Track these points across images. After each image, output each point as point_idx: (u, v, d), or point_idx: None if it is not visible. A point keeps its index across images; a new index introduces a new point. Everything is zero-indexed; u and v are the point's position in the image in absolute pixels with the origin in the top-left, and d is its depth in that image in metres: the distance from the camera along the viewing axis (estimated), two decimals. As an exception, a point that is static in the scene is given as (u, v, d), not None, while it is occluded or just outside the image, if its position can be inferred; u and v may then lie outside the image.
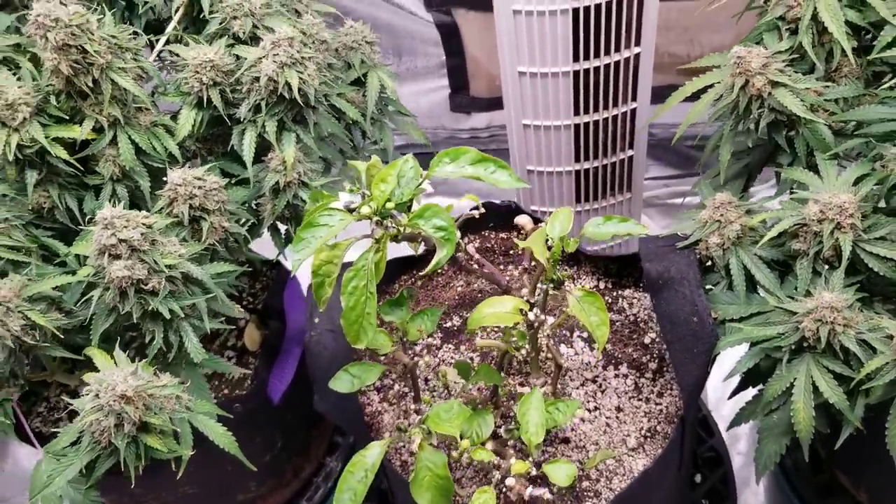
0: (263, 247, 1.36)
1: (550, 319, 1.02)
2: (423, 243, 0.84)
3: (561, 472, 0.81)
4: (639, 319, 1.09)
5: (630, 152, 1.39)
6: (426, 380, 1.04)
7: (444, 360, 1.07)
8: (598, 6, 1.14)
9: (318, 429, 1.40)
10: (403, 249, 1.07)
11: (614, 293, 1.11)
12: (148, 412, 0.76)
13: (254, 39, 0.98)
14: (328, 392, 0.97)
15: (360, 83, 1.11)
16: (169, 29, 0.98)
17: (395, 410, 1.03)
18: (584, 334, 1.08)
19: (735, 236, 0.94)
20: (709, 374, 0.96)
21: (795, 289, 0.91)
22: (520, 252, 1.19)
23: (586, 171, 1.37)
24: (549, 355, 1.05)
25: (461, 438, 0.83)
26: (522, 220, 1.03)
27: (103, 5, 0.90)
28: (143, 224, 0.79)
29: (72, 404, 0.79)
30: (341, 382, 0.88)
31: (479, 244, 1.20)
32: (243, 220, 0.98)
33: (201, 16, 0.99)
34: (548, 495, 0.82)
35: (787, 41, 0.95)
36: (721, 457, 1.37)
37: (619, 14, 1.16)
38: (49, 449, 0.86)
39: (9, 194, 0.92)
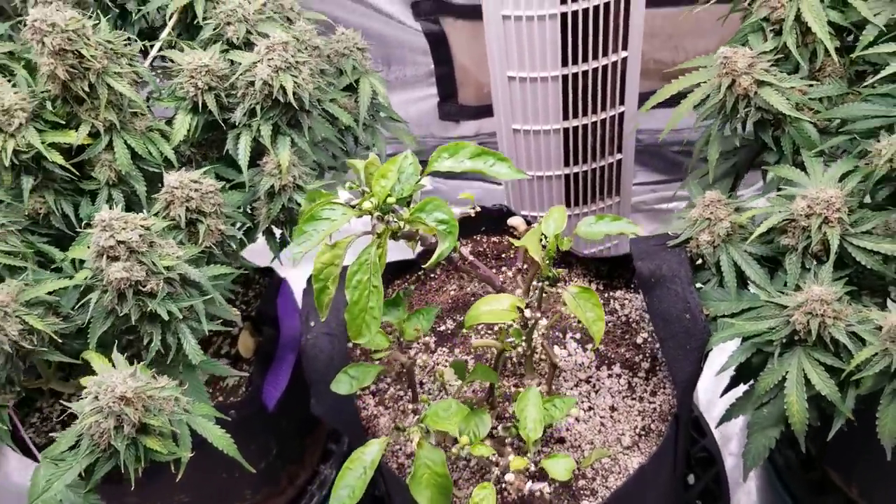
0: (256, 255, 1.37)
1: (544, 321, 1.04)
2: (420, 242, 0.85)
3: (560, 467, 0.82)
4: (631, 320, 1.10)
5: (618, 156, 1.41)
6: (421, 383, 1.05)
7: (438, 364, 1.07)
8: (585, 11, 1.16)
9: (312, 436, 1.40)
10: (398, 254, 1.08)
11: (606, 294, 1.12)
12: (147, 414, 0.76)
13: (248, 45, 0.99)
14: (325, 395, 0.98)
15: (351, 89, 1.12)
16: (164, 35, 0.99)
17: (391, 413, 1.04)
18: (577, 335, 1.09)
19: (725, 233, 0.96)
20: (702, 370, 0.97)
21: (785, 284, 0.92)
22: (512, 255, 1.20)
23: (575, 175, 1.39)
24: (544, 356, 1.06)
25: (460, 435, 0.84)
26: (515, 221, 1.04)
27: (98, 12, 0.91)
28: (142, 226, 0.79)
29: (70, 407, 0.79)
30: (341, 384, 0.88)
31: (471, 248, 1.21)
32: (239, 224, 0.99)
33: (195, 22, 1.00)
34: (547, 489, 0.82)
35: (772, 42, 0.97)
36: (713, 457, 1.38)
37: (606, 19, 1.18)
38: (47, 454, 0.86)
39: (4, 200, 0.92)
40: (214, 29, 0.97)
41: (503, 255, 1.21)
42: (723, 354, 0.98)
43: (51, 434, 1.16)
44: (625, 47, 1.24)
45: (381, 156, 1.16)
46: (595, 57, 1.23)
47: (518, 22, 1.17)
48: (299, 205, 0.96)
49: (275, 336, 1.27)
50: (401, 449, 1.02)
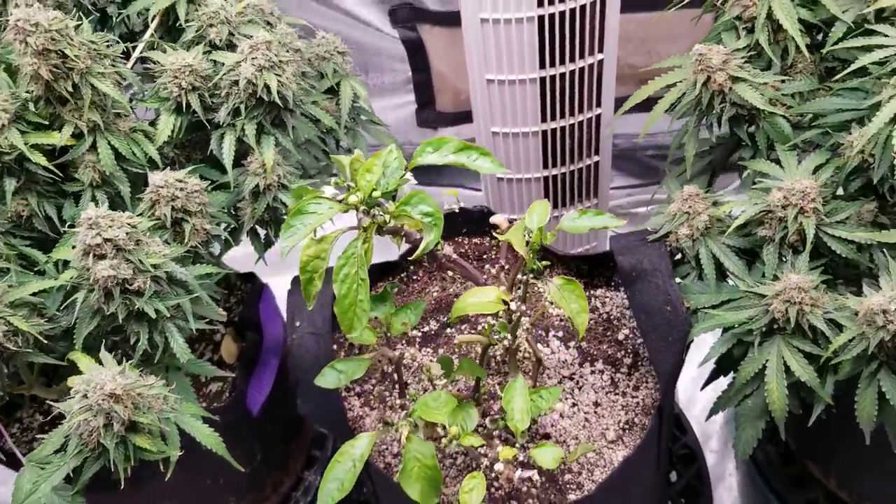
0: (237, 262, 1.37)
1: (528, 319, 1.05)
2: (404, 238, 0.86)
3: (548, 455, 0.83)
4: (612, 317, 1.11)
5: (596, 158, 1.43)
6: (406, 384, 1.05)
7: (423, 365, 1.08)
8: (562, 14, 1.18)
9: (296, 442, 1.40)
10: (381, 256, 1.09)
11: (587, 293, 1.14)
12: (137, 411, 0.76)
13: (230, 47, 0.99)
14: (311, 395, 0.98)
15: (332, 92, 1.13)
16: (146, 36, 0.99)
17: (376, 414, 1.04)
18: (560, 334, 1.10)
19: (703, 227, 0.97)
20: (684, 361, 0.98)
21: (763, 275, 0.94)
22: (494, 256, 1.21)
23: (554, 177, 1.41)
24: (527, 355, 1.07)
25: (449, 427, 0.84)
26: (498, 219, 1.05)
27: (80, 14, 0.91)
28: (128, 224, 0.79)
29: (57, 407, 0.78)
30: (327, 379, 0.88)
31: (453, 249, 1.22)
32: (224, 224, 0.99)
33: (177, 24, 1.00)
34: (536, 476, 0.83)
35: (745, 39, 0.99)
36: (695, 453, 1.40)
37: (582, 21, 1.20)
38: (32, 458, 0.85)
39: (-14, 202, 0.92)
40: (197, 31, 0.98)
41: (485, 256, 1.22)
42: (702, 353, 1.00)
43: (33, 444, 1.15)
44: (601, 50, 1.27)
45: (363, 158, 1.17)
46: (572, 59, 1.25)
47: (496, 25, 1.18)
48: (284, 204, 0.97)
49: (258, 341, 1.27)
50: (387, 449, 1.02)
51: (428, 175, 1.64)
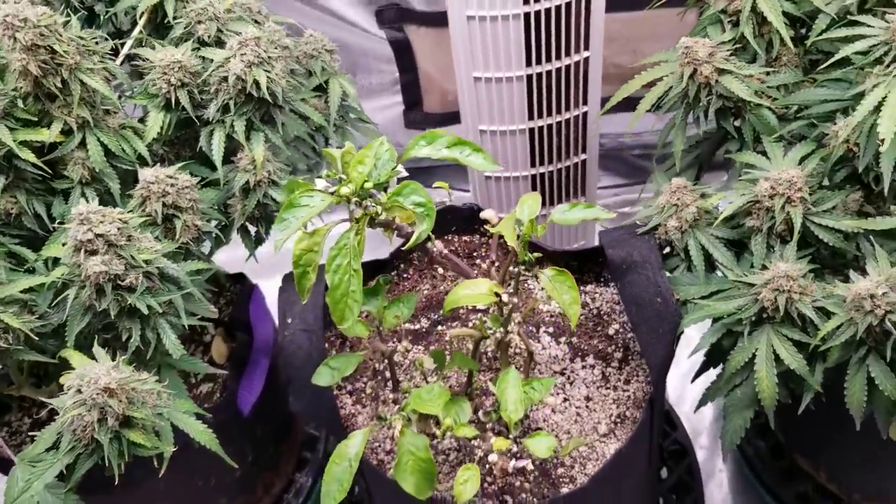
0: (225, 264, 1.37)
1: (519, 314, 1.05)
2: (396, 232, 0.86)
3: (541, 445, 0.83)
4: (602, 312, 1.12)
5: (583, 156, 1.44)
6: (397, 381, 1.05)
7: (416, 360, 1.08)
8: (548, 11, 1.19)
9: (287, 443, 1.39)
10: (371, 254, 1.09)
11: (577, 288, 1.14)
12: (131, 406, 0.75)
13: (218, 43, 0.99)
14: (303, 391, 0.98)
15: (321, 90, 1.14)
16: (135, 32, 0.99)
17: (368, 412, 1.04)
18: (550, 330, 1.10)
19: (692, 218, 0.98)
20: (674, 352, 0.99)
21: (751, 265, 0.95)
22: (484, 253, 1.21)
23: (542, 175, 1.41)
24: (518, 351, 1.07)
25: (443, 419, 0.84)
26: (488, 214, 1.06)
27: (68, 11, 0.91)
28: (119, 219, 0.79)
29: (50, 403, 0.78)
30: (322, 377, 0.88)
31: (442, 247, 1.22)
32: (214, 222, 0.99)
33: (165, 22, 1.00)
34: (530, 466, 0.83)
35: (730, 32, 1.00)
36: (685, 449, 1.40)
37: (568, 19, 1.21)
38: (23, 456, 0.84)
39: (-26, 201, 0.91)
40: (185, 27, 0.98)
41: (474, 254, 1.22)
42: (689, 350, 1.00)
43: (21, 447, 1.14)
44: (587, 47, 1.28)
45: (352, 156, 1.17)
46: (558, 57, 1.26)
47: (482, 22, 1.19)
48: (274, 201, 0.97)
49: (248, 342, 1.27)
50: (380, 446, 1.02)
51: (417, 177, 1.64)
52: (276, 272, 1.04)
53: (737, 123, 1.01)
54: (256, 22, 1.07)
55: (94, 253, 0.79)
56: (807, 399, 0.90)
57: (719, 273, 0.99)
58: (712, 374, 1.03)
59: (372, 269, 1.19)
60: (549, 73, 1.26)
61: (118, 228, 0.79)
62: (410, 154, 0.78)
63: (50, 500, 0.83)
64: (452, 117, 1.77)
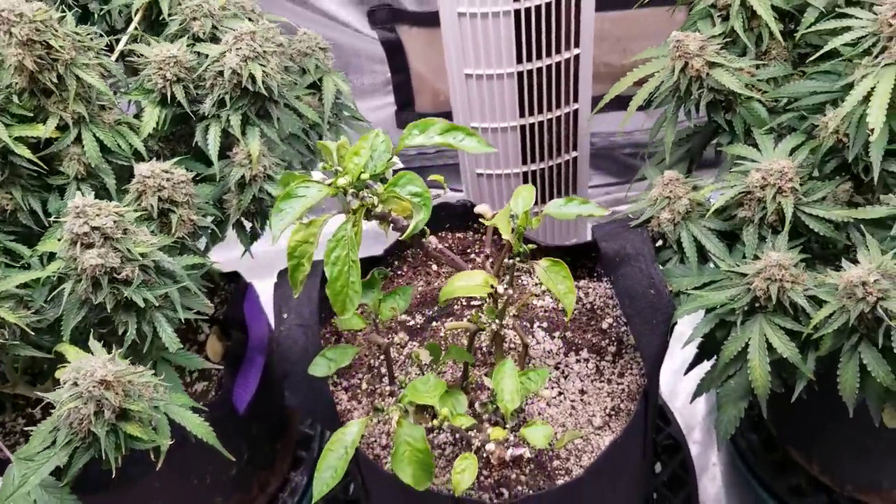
0: (221, 266, 1.37)
1: (512, 308, 1.06)
2: (392, 225, 0.87)
3: (538, 434, 0.84)
4: (595, 307, 1.13)
5: (574, 154, 1.45)
6: (393, 375, 1.06)
7: (412, 353, 1.08)
8: (538, 8, 1.19)
9: (282, 442, 1.39)
10: (365, 251, 1.10)
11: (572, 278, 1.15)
12: (128, 399, 0.76)
13: (213, 40, 1.00)
14: (300, 386, 0.98)
15: (315, 88, 1.14)
16: (130, 29, 0.99)
17: (364, 408, 1.04)
18: (544, 325, 1.11)
19: (684, 210, 0.99)
20: (668, 343, 1.00)
21: (743, 256, 0.96)
22: (478, 250, 1.22)
23: (533, 172, 1.42)
24: (513, 345, 1.08)
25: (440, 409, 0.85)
26: (483, 208, 1.06)
27: (63, 7, 0.91)
28: (115, 213, 0.79)
29: (46, 397, 0.78)
30: (319, 367, 0.89)
31: (437, 242, 1.23)
32: (210, 218, 0.99)
33: (160, 18, 1.01)
34: (528, 454, 0.84)
35: (720, 27, 1.02)
36: (679, 444, 1.41)
37: (558, 16, 1.22)
38: (20, 454, 0.84)
39: (-31, 198, 0.91)
40: (180, 24, 0.98)
41: (468, 251, 1.23)
42: (683, 350, 1.01)
43: (15, 448, 1.13)
44: (577, 44, 1.28)
45: (345, 153, 1.17)
46: (549, 54, 1.26)
47: (473, 19, 1.20)
48: (270, 195, 0.97)
49: (243, 340, 1.27)
50: (376, 441, 1.02)
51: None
52: (270, 272, 1.05)
53: (728, 117, 1.02)
54: (250, 20, 1.07)
55: (90, 246, 0.79)
56: (799, 387, 0.91)
57: (711, 265, 1.00)
58: (705, 368, 1.04)
59: (366, 266, 1.18)
60: (539, 70, 1.27)
61: (114, 221, 0.79)
62: (404, 143, 0.78)
63: (46, 498, 0.83)
64: (445, 117, 1.77)
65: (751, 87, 1.00)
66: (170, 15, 1.00)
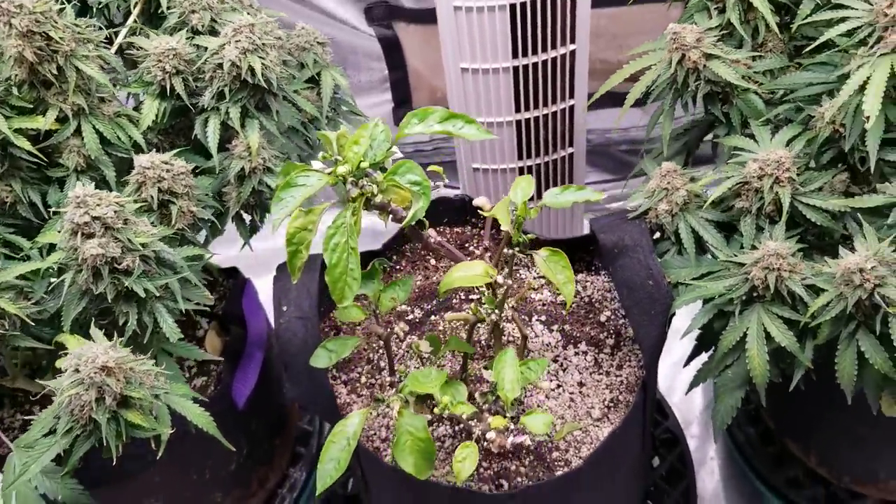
0: (217, 259, 1.37)
1: (511, 300, 1.06)
2: (391, 216, 0.87)
3: (538, 422, 0.84)
4: (593, 300, 1.13)
5: (570, 150, 1.45)
6: (393, 366, 1.06)
7: (412, 343, 1.09)
8: (533, 3, 1.20)
9: (281, 438, 1.39)
10: (366, 247, 1.10)
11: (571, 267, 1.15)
12: (129, 386, 0.76)
13: (212, 33, 1.00)
14: (299, 378, 0.98)
15: (314, 82, 1.14)
16: (129, 22, 1.00)
17: (363, 401, 1.04)
18: (542, 318, 1.11)
19: (682, 201, 1.00)
20: (666, 334, 1.00)
21: (741, 246, 0.97)
22: (476, 243, 1.22)
23: (529, 168, 1.43)
24: (511, 338, 1.08)
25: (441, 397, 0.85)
26: (481, 201, 1.07)
27: (62, 0, 0.91)
28: (116, 203, 0.79)
29: (47, 385, 0.78)
30: (320, 358, 0.89)
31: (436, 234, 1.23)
32: (210, 211, 0.99)
33: (159, 12, 1.01)
34: (528, 441, 0.84)
35: (717, 19, 1.02)
36: (677, 437, 1.41)
37: (553, 11, 1.23)
38: (20, 443, 0.84)
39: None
40: (179, 17, 0.99)
41: (466, 245, 1.23)
42: (678, 345, 1.01)
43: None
44: (573, 40, 1.29)
45: (344, 147, 1.18)
46: (544, 49, 1.27)
47: (469, 13, 1.20)
48: (269, 188, 0.97)
49: (242, 335, 1.27)
50: (375, 434, 1.02)
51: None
52: (268, 270, 1.05)
53: (724, 109, 1.03)
54: (248, 14, 1.07)
55: (90, 236, 0.79)
56: (797, 376, 0.91)
57: (709, 256, 1.01)
58: (703, 360, 1.04)
59: (365, 260, 1.19)
60: (535, 65, 1.28)
61: (115, 212, 0.79)
62: (404, 132, 0.78)
63: (47, 485, 0.83)
64: (441, 114, 1.77)
65: (747, 78, 1.00)
66: (168, 8, 1.00)
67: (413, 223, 0.80)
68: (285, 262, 0.90)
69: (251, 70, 0.92)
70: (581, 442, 0.99)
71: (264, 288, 1.21)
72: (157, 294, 0.84)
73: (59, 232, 0.83)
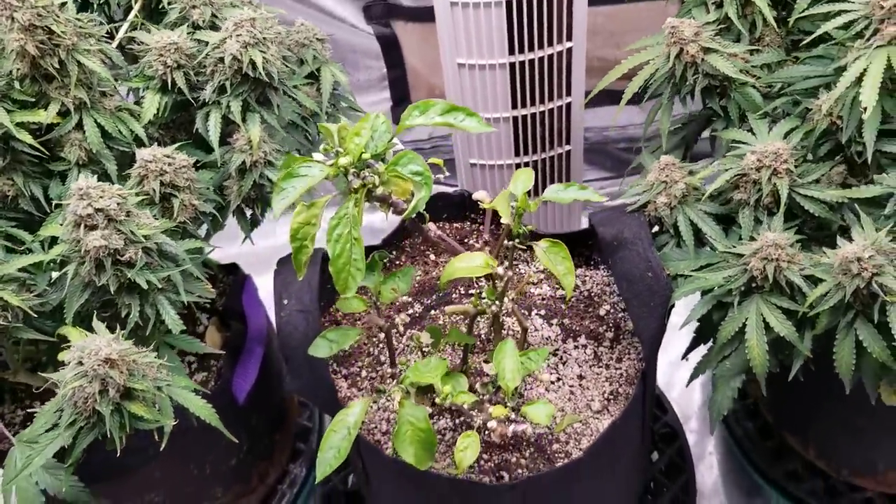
0: (216, 254, 1.37)
1: (512, 292, 1.06)
2: (392, 209, 0.88)
3: (540, 412, 0.84)
4: (593, 294, 1.14)
5: (567, 147, 1.46)
6: (394, 358, 1.06)
7: (414, 335, 1.09)
8: (529, -1, 1.21)
9: (281, 433, 1.40)
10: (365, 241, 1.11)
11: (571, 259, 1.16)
12: (132, 378, 0.76)
13: (213, 28, 1.01)
14: (300, 371, 0.99)
15: (313, 78, 1.15)
16: (130, 17, 1.00)
17: (364, 394, 1.05)
18: (542, 312, 1.12)
19: (681, 194, 1.00)
20: (666, 325, 1.01)
21: (739, 238, 0.97)
22: (475, 239, 1.23)
23: (526, 164, 1.43)
24: (511, 332, 1.09)
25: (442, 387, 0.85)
26: (481, 194, 1.07)
27: (65, -3, 0.92)
28: (119, 195, 0.80)
29: (51, 378, 0.78)
30: (320, 348, 0.89)
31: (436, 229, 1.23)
32: (212, 204, 0.99)
33: (160, 7, 1.02)
34: (530, 430, 0.84)
35: (714, 14, 1.03)
36: (676, 432, 1.42)
37: (550, 8, 1.23)
38: (21, 438, 0.84)
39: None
40: (180, 12, 0.99)
41: (465, 240, 1.24)
42: (676, 344, 1.01)
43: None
44: (569, 38, 1.30)
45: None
46: (541, 46, 1.28)
47: (465, 8, 1.21)
48: (270, 181, 0.98)
49: (242, 330, 1.27)
50: (376, 427, 1.03)
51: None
52: (268, 268, 1.05)
53: (722, 102, 1.04)
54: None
55: (93, 228, 0.80)
56: (796, 366, 0.92)
57: (708, 248, 1.01)
58: (702, 352, 1.05)
59: (367, 253, 1.20)
60: (531, 62, 1.28)
61: (118, 204, 0.80)
62: (405, 124, 0.79)
63: (49, 481, 0.83)
64: (440, 112, 1.78)
65: (745, 72, 1.01)
66: (169, 3, 1.01)
67: (414, 215, 0.80)
68: (286, 257, 0.91)
69: (252, 64, 0.93)
70: (581, 434, 1.00)
71: (264, 285, 1.21)
72: (160, 286, 0.84)
73: (62, 225, 0.83)
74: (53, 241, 0.90)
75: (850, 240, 0.86)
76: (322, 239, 0.80)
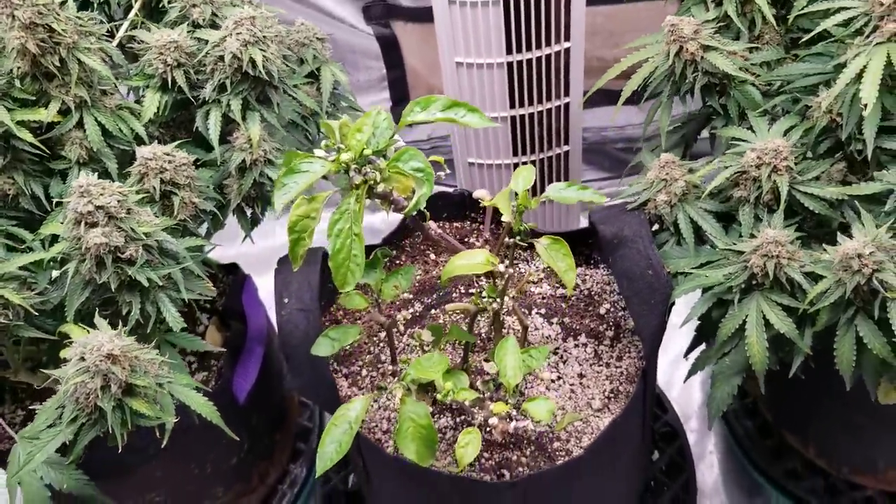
0: (216, 253, 1.37)
1: (512, 290, 1.07)
2: (392, 206, 0.88)
3: (541, 408, 0.84)
4: (593, 293, 1.14)
5: (566, 147, 1.46)
6: (395, 355, 1.06)
7: (414, 333, 1.09)
8: (527, -1, 1.21)
9: (281, 433, 1.39)
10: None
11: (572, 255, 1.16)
12: (134, 374, 0.76)
13: (213, 27, 1.01)
14: (301, 369, 0.99)
15: (313, 77, 1.15)
16: (130, 15, 1.00)
17: (364, 394, 1.05)
18: (542, 311, 1.12)
19: (681, 192, 1.00)
20: (666, 323, 1.01)
21: (740, 236, 0.97)
22: (475, 238, 1.23)
23: (524, 164, 1.43)
24: (511, 331, 1.09)
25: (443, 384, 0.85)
26: (481, 193, 1.08)
27: (65, -4, 0.92)
28: (119, 192, 0.80)
29: (52, 374, 0.78)
30: (322, 346, 0.89)
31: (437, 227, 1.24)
32: (212, 202, 1.00)
33: (160, 6, 1.02)
34: (531, 426, 0.84)
35: (714, 12, 1.03)
36: (676, 431, 1.42)
37: (548, 8, 1.23)
38: (24, 433, 0.84)
39: (-30, 183, 0.91)
40: (180, 11, 0.99)
41: (465, 240, 1.24)
42: (676, 343, 1.01)
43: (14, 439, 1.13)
44: (567, 38, 1.30)
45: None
46: (539, 46, 1.28)
47: (463, 7, 1.21)
48: (270, 180, 0.98)
49: (242, 330, 1.27)
50: (377, 426, 1.03)
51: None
52: (267, 268, 1.05)
53: (722, 100, 1.04)
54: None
55: (94, 225, 0.80)
56: (796, 364, 0.92)
57: (708, 246, 1.01)
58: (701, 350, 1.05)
59: (368, 251, 1.20)
60: (529, 61, 1.28)
61: (118, 201, 0.80)
62: (407, 120, 0.79)
63: (52, 475, 0.83)
64: (438, 113, 1.78)
65: (744, 70, 1.01)
66: (169, 2, 1.01)
67: (415, 212, 0.80)
68: (286, 255, 0.91)
69: (252, 62, 0.93)
70: (582, 432, 1.00)
71: (265, 285, 1.21)
72: (160, 284, 0.84)
73: (62, 223, 0.83)
74: (54, 239, 0.90)
75: (851, 237, 0.86)
76: (323, 237, 0.80)
